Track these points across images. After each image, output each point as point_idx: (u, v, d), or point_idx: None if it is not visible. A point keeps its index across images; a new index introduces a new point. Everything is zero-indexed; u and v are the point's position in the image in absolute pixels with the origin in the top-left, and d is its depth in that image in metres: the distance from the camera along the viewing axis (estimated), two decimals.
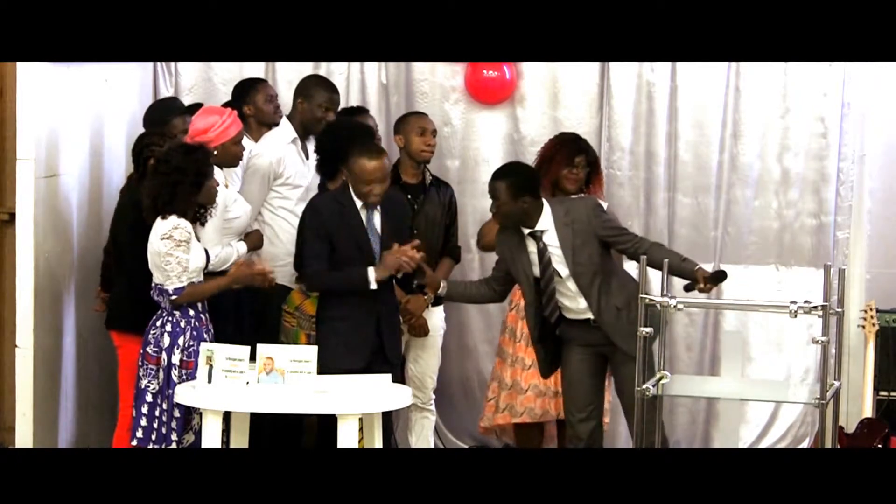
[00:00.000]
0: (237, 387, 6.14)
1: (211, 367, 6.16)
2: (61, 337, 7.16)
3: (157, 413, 6.35)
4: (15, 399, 6.98)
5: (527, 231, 6.56)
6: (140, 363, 6.40)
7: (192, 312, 6.40)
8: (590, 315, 6.55)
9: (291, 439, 7.06)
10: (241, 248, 6.81)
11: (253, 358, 6.18)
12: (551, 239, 6.54)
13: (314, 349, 6.23)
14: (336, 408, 6.11)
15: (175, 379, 6.31)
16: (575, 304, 6.57)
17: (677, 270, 6.40)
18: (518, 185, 6.50)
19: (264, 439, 6.84)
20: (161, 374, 6.34)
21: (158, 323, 6.39)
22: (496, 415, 7.38)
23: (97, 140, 7.45)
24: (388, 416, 6.68)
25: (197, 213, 6.41)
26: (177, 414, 6.32)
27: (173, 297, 6.32)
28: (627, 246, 6.56)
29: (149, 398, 6.36)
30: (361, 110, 7.75)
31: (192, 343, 6.36)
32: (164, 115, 7.09)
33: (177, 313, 6.36)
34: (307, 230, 6.67)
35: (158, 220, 6.32)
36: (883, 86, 7.83)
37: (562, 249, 6.53)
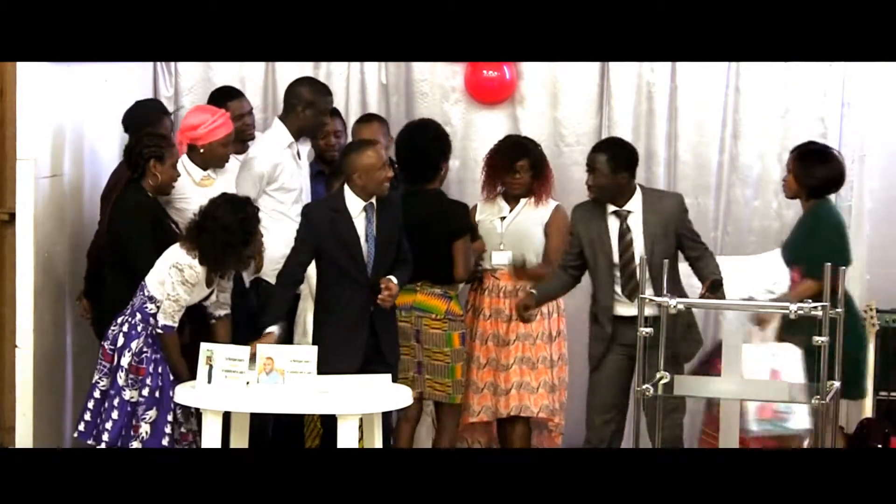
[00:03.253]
0: (237, 387, 6.14)
1: (211, 367, 6.16)
2: (61, 337, 7.16)
3: (101, 410, 6.34)
4: (15, 399, 6.98)
5: (612, 209, 6.57)
6: (99, 356, 6.39)
7: (152, 321, 6.38)
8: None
9: (293, 439, 7.07)
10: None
11: (253, 358, 6.18)
12: (635, 222, 6.57)
13: (314, 349, 6.23)
14: (336, 408, 6.11)
15: (120, 381, 6.29)
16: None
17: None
18: (619, 159, 6.53)
19: (266, 439, 6.85)
20: (111, 374, 6.34)
21: (119, 320, 6.39)
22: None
23: (97, 140, 7.45)
24: (387, 416, 6.68)
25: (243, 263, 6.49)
26: (115, 416, 6.30)
27: (160, 332, 6.32)
28: (697, 253, 6.64)
29: (97, 394, 6.36)
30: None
31: (145, 349, 6.34)
32: (149, 116, 7.08)
33: (138, 316, 6.34)
34: (296, 234, 6.70)
35: (181, 250, 6.31)
36: (883, 86, 7.82)
37: (644, 235, 6.55)
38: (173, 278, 6.27)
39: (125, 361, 6.31)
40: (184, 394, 6.19)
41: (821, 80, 7.89)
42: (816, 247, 6.71)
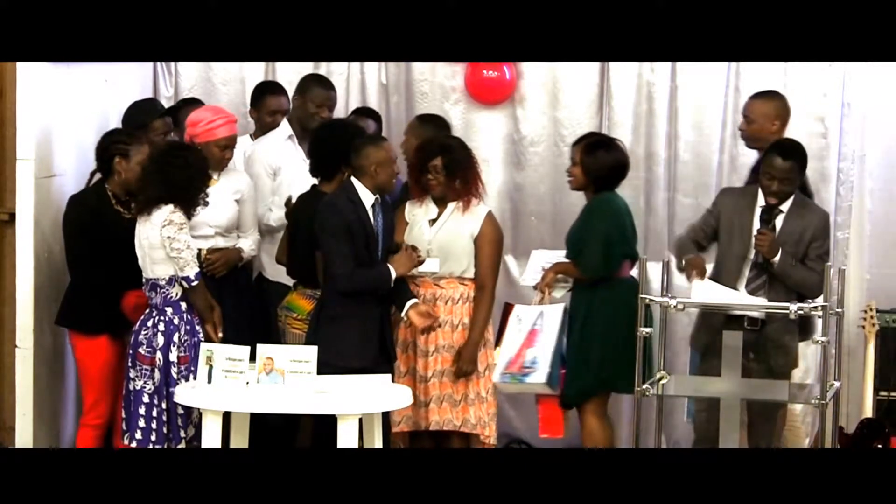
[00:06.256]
0: (237, 387, 6.14)
1: (211, 367, 6.16)
2: (61, 337, 7.16)
3: (154, 413, 6.35)
4: (15, 399, 6.99)
5: (764, 206, 6.59)
6: (130, 364, 6.39)
7: (183, 307, 6.39)
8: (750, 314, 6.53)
9: (286, 439, 7.07)
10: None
11: (253, 358, 6.18)
12: (779, 223, 6.59)
13: (314, 349, 6.23)
14: (336, 408, 6.11)
15: (175, 376, 6.32)
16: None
17: None
18: (804, 167, 6.68)
19: (262, 439, 6.85)
20: (157, 374, 6.34)
21: (150, 323, 6.37)
22: None
23: (97, 140, 7.44)
24: (387, 416, 6.67)
25: (201, 200, 6.45)
26: (180, 411, 6.35)
27: (195, 283, 6.32)
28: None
29: (145, 399, 6.35)
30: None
31: (186, 337, 6.37)
32: (145, 116, 7.10)
33: (168, 310, 6.36)
34: (331, 230, 6.53)
35: (153, 212, 6.31)
36: (883, 86, 7.82)
37: (780, 237, 6.57)
38: (171, 233, 6.27)
39: (173, 356, 6.34)
40: (184, 394, 6.19)
41: (821, 80, 7.89)
42: (590, 235, 6.82)
